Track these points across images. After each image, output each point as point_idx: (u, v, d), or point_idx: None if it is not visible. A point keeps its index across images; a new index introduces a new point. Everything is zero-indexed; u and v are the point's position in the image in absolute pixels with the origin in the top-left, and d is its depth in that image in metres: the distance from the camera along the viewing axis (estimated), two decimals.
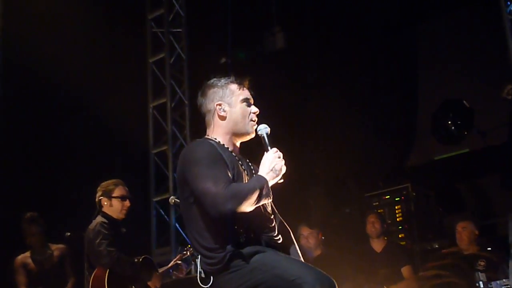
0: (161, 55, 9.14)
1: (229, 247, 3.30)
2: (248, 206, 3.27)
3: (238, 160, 3.52)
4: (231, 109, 3.53)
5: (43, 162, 7.81)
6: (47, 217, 6.76)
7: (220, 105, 3.54)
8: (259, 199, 3.30)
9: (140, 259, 5.63)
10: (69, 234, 6.37)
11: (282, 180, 3.47)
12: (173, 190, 8.65)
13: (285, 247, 3.52)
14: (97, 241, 5.38)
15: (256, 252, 3.30)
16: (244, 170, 3.51)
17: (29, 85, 7.70)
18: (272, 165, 3.39)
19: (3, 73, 7.56)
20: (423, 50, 8.86)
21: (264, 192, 3.32)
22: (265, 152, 3.46)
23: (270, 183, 3.40)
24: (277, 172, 3.40)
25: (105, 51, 8.24)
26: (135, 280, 5.53)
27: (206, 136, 3.59)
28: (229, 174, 3.35)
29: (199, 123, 9.03)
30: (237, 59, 8.87)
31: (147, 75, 9.18)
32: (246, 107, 3.55)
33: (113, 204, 5.71)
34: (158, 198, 8.85)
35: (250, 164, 3.64)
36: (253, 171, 3.57)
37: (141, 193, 8.54)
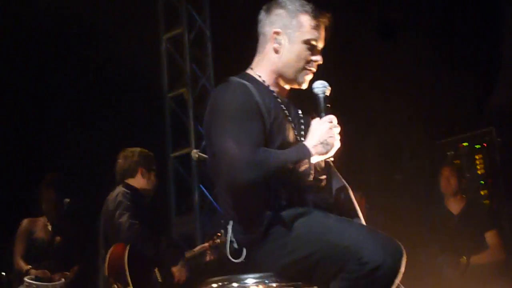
0: None
1: (267, 212, 3.27)
2: (277, 180, 3.25)
3: (284, 108, 3.48)
4: (288, 46, 3.48)
5: (35, 111, 7.93)
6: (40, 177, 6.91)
7: (278, 34, 3.49)
8: (294, 175, 3.26)
9: (166, 239, 5.77)
10: (68, 200, 6.54)
11: (332, 159, 3.43)
12: (196, 143, 8.67)
13: (340, 209, 3.46)
14: (118, 212, 5.59)
15: (300, 215, 3.27)
16: (290, 121, 3.48)
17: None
18: (324, 137, 3.33)
19: None
20: None
21: (303, 168, 3.27)
22: (318, 118, 3.40)
23: (315, 159, 3.34)
24: (328, 148, 3.33)
25: None
26: (158, 262, 5.69)
27: (249, 69, 3.57)
28: (263, 133, 3.29)
29: (226, 58, 9.04)
30: None
31: None
32: (306, 50, 3.48)
33: (150, 177, 5.96)
34: (177, 154, 8.90)
35: (301, 114, 3.58)
36: (303, 126, 3.51)
37: (156, 148, 8.58)
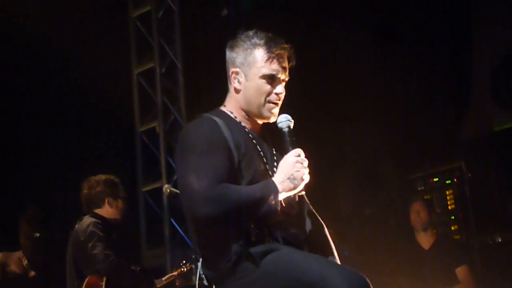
0: (147, 8, 9.10)
1: (236, 247, 3.26)
2: (238, 217, 3.22)
3: (256, 144, 3.48)
4: (246, 83, 3.48)
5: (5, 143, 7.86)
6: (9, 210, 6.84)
7: (236, 73, 3.50)
8: (256, 211, 3.24)
9: (138, 268, 5.71)
10: (38, 235, 6.46)
11: (303, 192, 3.40)
12: (167, 176, 8.64)
13: (314, 246, 3.46)
14: (91, 243, 5.51)
15: (269, 251, 3.25)
16: (261, 156, 3.47)
17: None
18: (291, 172, 3.31)
19: None
20: None
21: (269, 204, 3.24)
22: (287, 153, 3.38)
23: (283, 195, 3.31)
24: (296, 183, 3.31)
25: (76, 3, 8.19)
26: None
27: (222, 106, 3.57)
28: (227, 168, 3.27)
29: (197, 91, 9.03)
30: (241, 10, 8.82)
31: (129, 33, 9.14)
32: (264, 85, 3.45)
33: (118, 205, 5.87)
34: (148, 188, 8.86)
35: (274, 152, 3.55)
36: (276, 162, 3.47)
37: (127, 182, 8.53)
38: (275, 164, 3.46)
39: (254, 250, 3.25)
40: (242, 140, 3.41)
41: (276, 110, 3.49)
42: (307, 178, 3.34)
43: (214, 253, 3.32)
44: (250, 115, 3.52)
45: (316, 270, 3.15)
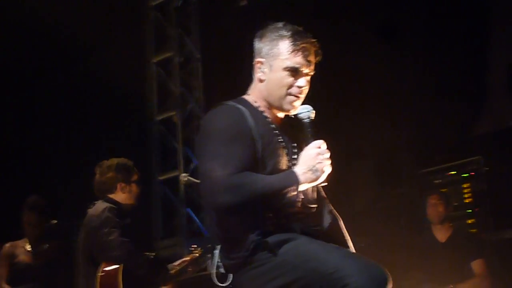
0: None
1: (253, 236, 3.25)
2: (262, 205, 3.24)
3: (278, 134, 3.47)
4: (270, 74, 3.48)
5: (18, 132, 7.88)
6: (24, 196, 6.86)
7: (261, 63, 3.50)
8: (280, 201, 3.26)
9: (152, 255, 5.66)
10: (55, 222, 6.47)
11: (325, 184, 3.38)
12: (184, 166, 8.64)
13: (330, 239, 3.41)
14: (106, 229, 5.36)
15: (286, 241, 3.25)
16: (283, 147, 3.45)
17: None
18: (313, 163, 3.30)
19: None
20: None
21: (290, 195, 3.27)
22: (307, 144, 3.37)
23: (304, 187, 3.33)
24: (318, 174, 3.30)
25: None
26: (149, 281, 5.58)
27: (246, 95, 3.57)
28: (250, 157, 3.28)
29: (215, 81, 9.04)
30: (260, 1, 8.80)
31: (147, 22, 9.13)
32: (287, 77, 3.43)
33: (131, 190, 5.77)
34: (164, 177, 8.86)
35: (294, 144, 3.54)
36: (296, 155, 3.46)
37: (143, 171, 8.54)
38: (295, 156, 3.44)
39: (272, 239, 3.25)
40: (265, 130, 3.41)
41: (297, 103, 3.47)
42: (328, 170, 3.33)
43: (231, 242, 3.32)
44: (271, 106, 3.51)
45: (334, 261, 3.14)
